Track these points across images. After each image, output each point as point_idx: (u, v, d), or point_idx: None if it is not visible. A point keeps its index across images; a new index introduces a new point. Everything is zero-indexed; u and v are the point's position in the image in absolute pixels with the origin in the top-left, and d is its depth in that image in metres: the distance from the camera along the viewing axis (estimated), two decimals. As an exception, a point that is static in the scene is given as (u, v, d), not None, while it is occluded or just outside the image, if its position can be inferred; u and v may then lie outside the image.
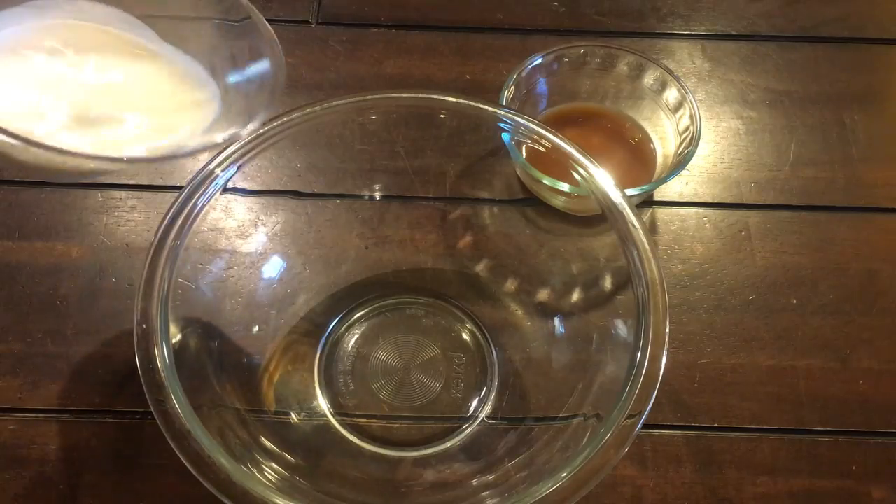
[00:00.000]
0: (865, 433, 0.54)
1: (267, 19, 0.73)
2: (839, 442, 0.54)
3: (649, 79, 0.60)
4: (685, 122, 0.58)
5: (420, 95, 0.53)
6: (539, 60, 0.60)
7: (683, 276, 0.60)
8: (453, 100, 0.52)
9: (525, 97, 0.61)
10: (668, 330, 0.45)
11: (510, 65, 0.61)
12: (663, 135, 0.61)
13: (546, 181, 0.53)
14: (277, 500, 0.41)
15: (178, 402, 0.43)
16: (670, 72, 0.59)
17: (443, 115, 0.54)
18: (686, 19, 0.72)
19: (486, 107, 0.52)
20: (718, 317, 0.58)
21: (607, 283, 0.53)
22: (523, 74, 0.59)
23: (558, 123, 0.61)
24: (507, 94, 0.58)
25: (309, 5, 0.72)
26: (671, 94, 0.59)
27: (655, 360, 0.44)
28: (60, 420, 0.53)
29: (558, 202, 0.57)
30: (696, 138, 0.56)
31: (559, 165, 0.52)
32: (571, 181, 0.52)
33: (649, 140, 0.61)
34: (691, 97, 0.58)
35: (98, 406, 0.53)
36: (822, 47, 0.71)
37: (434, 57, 0.70)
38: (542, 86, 0.61)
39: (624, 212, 0.48)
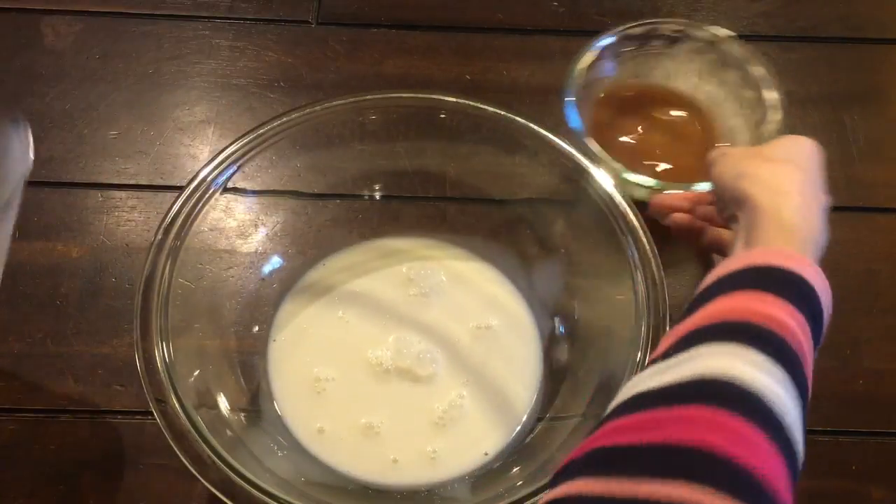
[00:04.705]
0: (865, 433, 0.54)
1: (267, 19, 0.73)
2: (839, 442, 0.54)
3: (733, 75, 0.60)
4: (759, 116, 0.58)
5: (420, 95, 0.53)
6: (611, 40, 0.59)
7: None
8: (453, 100, 0.53)
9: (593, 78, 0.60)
10: (668, 330, 0.45)
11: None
12: (736, 127, 0.60)
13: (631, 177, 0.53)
14: (279, 500, 0.41)
15: (178, 402, 0.43)
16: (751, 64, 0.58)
17: (443, 115, 0.54)
18: (686, 19, 0.72)
19: (486, 107, 0.52)
20: (718, 317, 0.58)
21: (607, 283, 0.53)
22: (592, 56, 0.58)
23: (627, 105, 0.61)
24: (575, 75, 0.57)
25: (309, 5, 0.72)
26: (751, 89, 0.59)
27: (655, 360, 0.44)
28: (60, 420, 0.53)
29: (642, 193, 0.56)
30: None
31: None
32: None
33: (719, 134, 0.61)
34: (774, 94, 0.57)
35: (98, 406, 0.53)
36: (822, 47, 0.71)
37: (434, 57, 0.70)
38: (608, 68, 0.61)
39: (624, 212, 0.49)
